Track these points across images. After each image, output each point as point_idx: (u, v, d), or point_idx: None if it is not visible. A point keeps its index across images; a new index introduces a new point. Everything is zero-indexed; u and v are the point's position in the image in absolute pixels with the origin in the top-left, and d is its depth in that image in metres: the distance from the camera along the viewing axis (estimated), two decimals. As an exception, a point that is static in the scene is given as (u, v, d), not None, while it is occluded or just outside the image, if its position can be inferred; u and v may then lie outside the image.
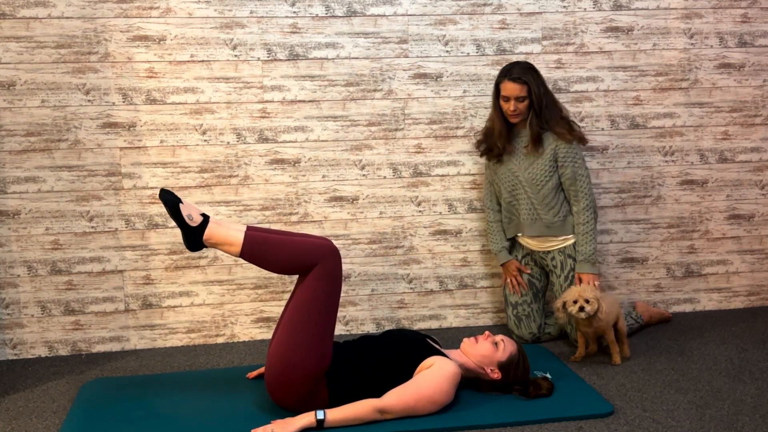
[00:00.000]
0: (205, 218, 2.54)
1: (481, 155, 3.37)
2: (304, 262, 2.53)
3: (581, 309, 2.91)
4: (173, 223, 3.34)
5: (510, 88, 3.10)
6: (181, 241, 3.36)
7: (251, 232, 2.54)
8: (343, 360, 2.58)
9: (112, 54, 3.21)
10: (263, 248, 2.53)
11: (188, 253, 3.37)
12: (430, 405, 2.49)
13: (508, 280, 3.39)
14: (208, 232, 2.53)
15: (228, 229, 2.54)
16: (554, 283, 3.29)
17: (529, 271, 3.37)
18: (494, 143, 3.25)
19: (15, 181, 3.22)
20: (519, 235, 3.35)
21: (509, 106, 3.13)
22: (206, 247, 2.56)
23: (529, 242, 3.32)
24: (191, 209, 2.53)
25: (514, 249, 3.44)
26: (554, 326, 3.37)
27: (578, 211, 3.19)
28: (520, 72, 3.10)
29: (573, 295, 2.94)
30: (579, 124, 3.37)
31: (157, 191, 3.31)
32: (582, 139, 3.21)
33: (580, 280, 3.18)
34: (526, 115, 3.16)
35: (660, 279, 3.71)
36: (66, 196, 3.26)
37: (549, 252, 3.28)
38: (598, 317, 2.93)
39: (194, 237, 2.53)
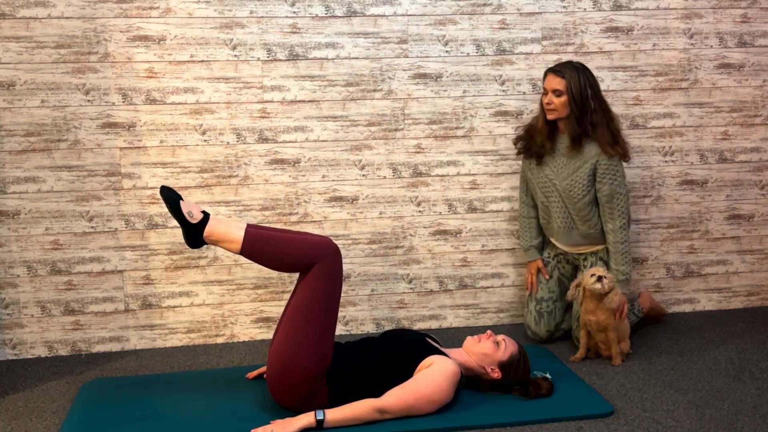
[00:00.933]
0: (206, 215, 2.55)
1: (518, 153, 3.29)
2: (304, 261, 2.54)
3: (599, 279, 2.92)
4: (173, 223, 3.34)
5: (549, 79, 3.06)
6: (182, 240, 3.36)
7: (252, 230, 2.55)
8: (344, 360, 2.58)
9: (112, 54, 3.21)
10: (263, 246, 2.53)
11: (188, 253, 3.37)
12: (429, 404, 2.50)
13: (526, 276, 3.40)
14: (209, 229, 2.53)
15: (228, 226, 2.55)
16: (577, 277, 3.29)
17: (548, 277, 3.35)
18: (534, 140, 3.17)
19: (15, 181, 3.22)
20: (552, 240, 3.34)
21: (545, 99, 3.07)
22: (207, 244, 2.57)
23: (562, 246, 3.31)
24: (191, 206, 2.54)
25: (546, 247, 3.42)
26: (569, 321, 3.36)
27: (614, 230, 3.10)
28: (563, 66, 3.04)
29: (590, 271, 2.97)
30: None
31: (157, 191, 3.31)
32: (625, 155, 3.08)
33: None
34: (563, 114, 3.05)
35: (660, 279, 3.71)
36: (66, 196, 3.26)
37: (582, 253, 3.29)
38: (611, 298, 2.93)
39: (195, 234, 2.54)
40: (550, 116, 3.08)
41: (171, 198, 2.50)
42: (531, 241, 3.39)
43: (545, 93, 3.08)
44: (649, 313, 3.48)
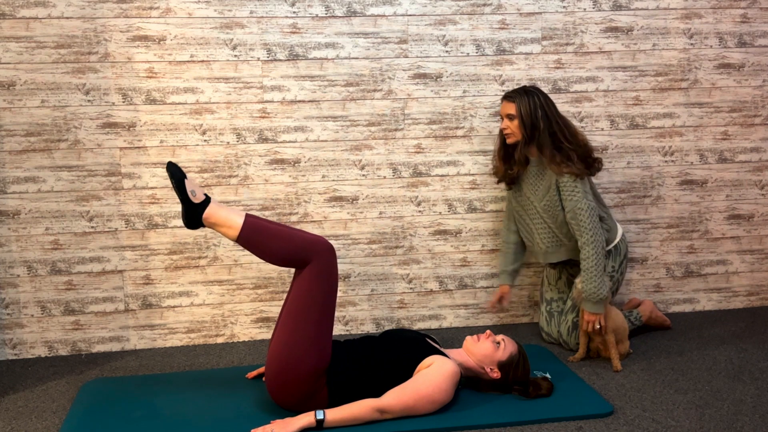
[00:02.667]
0: (207, 198, 2.57)
1: (498, 182, 3.35)
2: (298, 255, 2.54)
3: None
4: (173, 223, 3.34)
5: (503, 106, 3.14)
6: (182, 240, 3.36)
7: (251, 219, 2.56)
8: (343, 359, 2.58)
9: (112, 54, 3.21)
10: (260, 236, 2.54)
11: (188, 253, 3.37)
12: (429, 404, 2.50)
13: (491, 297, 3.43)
14: (209, 211, 2.55)
15: (229, 211, 2.56)
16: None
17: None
18: (504, 164, 3.25)
19: (15, 181, 3.22)
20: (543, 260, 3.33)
21: (503, 125, 3.15)
22: (204, 226, 2.58)
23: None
24: (195, 186, 2.56)
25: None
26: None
27: (582, 246, 3.05)
28: (514, 92, 3.12)
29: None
30: (594, 154, 3.15)
31: (157, 191, 3.31)
32: (578, 175, 3.04)
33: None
34: (520, 136, 3.11)
35: (660, 279, 3.71)
36: (66, 196, 3.26)
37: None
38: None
39: (194, 214, 2.55)
40: (509, 140, 3.16)
41: (176, 174, 2.52)
42: (507, 266, 3.42)
43: (501, 119, 3.16)
44: (648, 322, 3.46)
